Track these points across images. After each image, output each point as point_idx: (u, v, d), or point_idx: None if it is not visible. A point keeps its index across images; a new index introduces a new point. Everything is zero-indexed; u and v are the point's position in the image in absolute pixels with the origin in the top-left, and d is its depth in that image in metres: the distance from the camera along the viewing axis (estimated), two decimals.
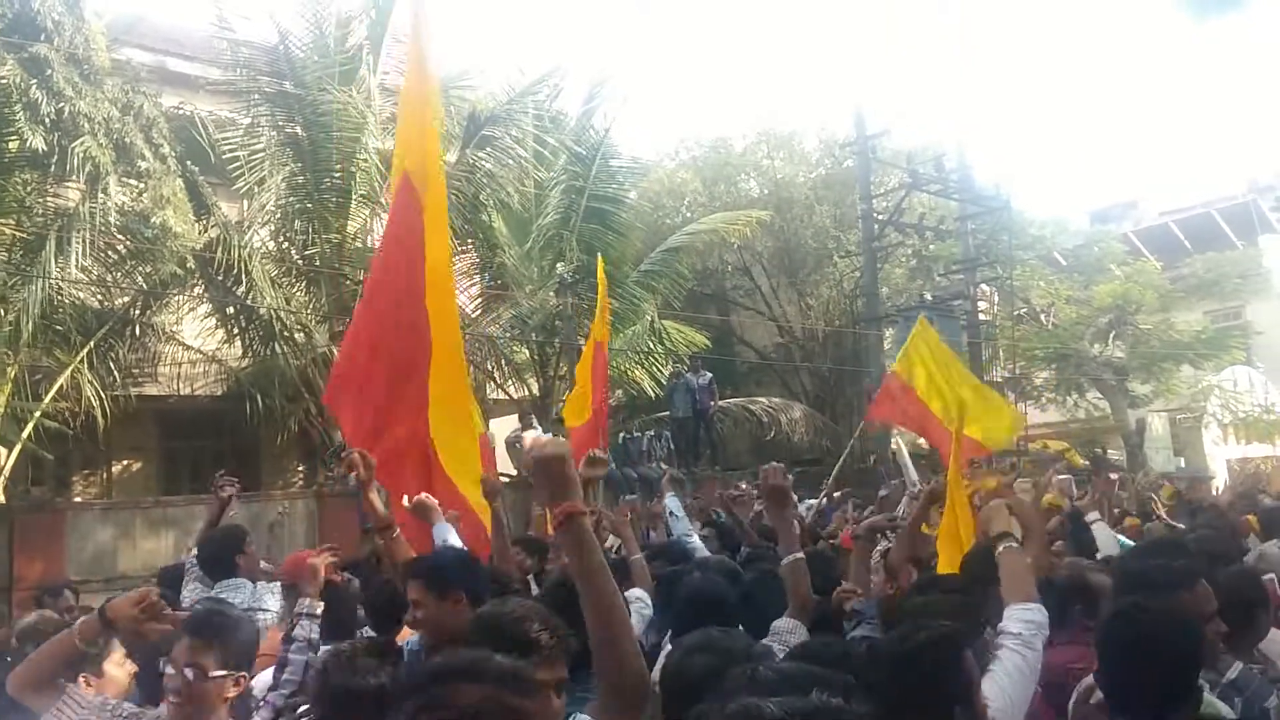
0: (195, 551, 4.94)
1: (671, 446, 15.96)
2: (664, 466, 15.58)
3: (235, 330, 14.30)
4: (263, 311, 13.62)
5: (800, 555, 3.88)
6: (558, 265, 15.89)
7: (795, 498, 12.44)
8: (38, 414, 11.70)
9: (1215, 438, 24.10)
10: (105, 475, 16.09)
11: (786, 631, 3.54)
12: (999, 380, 22.19)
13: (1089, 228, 28.38)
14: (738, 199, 21.21)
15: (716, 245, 19.36)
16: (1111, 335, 22.00)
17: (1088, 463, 21.41)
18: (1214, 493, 21.49)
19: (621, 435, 16.04)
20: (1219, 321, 25.10)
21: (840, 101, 38.66)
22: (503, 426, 16.78)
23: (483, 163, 14.93)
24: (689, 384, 16.13)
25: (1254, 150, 56.36)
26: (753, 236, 19.54)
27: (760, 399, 19.41)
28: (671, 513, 6.65)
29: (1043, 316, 22.59)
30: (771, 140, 22.34)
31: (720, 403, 17.59)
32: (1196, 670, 2.57)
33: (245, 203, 14.39)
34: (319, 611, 3.59)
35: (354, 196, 14.26)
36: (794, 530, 4.08)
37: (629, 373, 17.17)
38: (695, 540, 6.37)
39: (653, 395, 17.24)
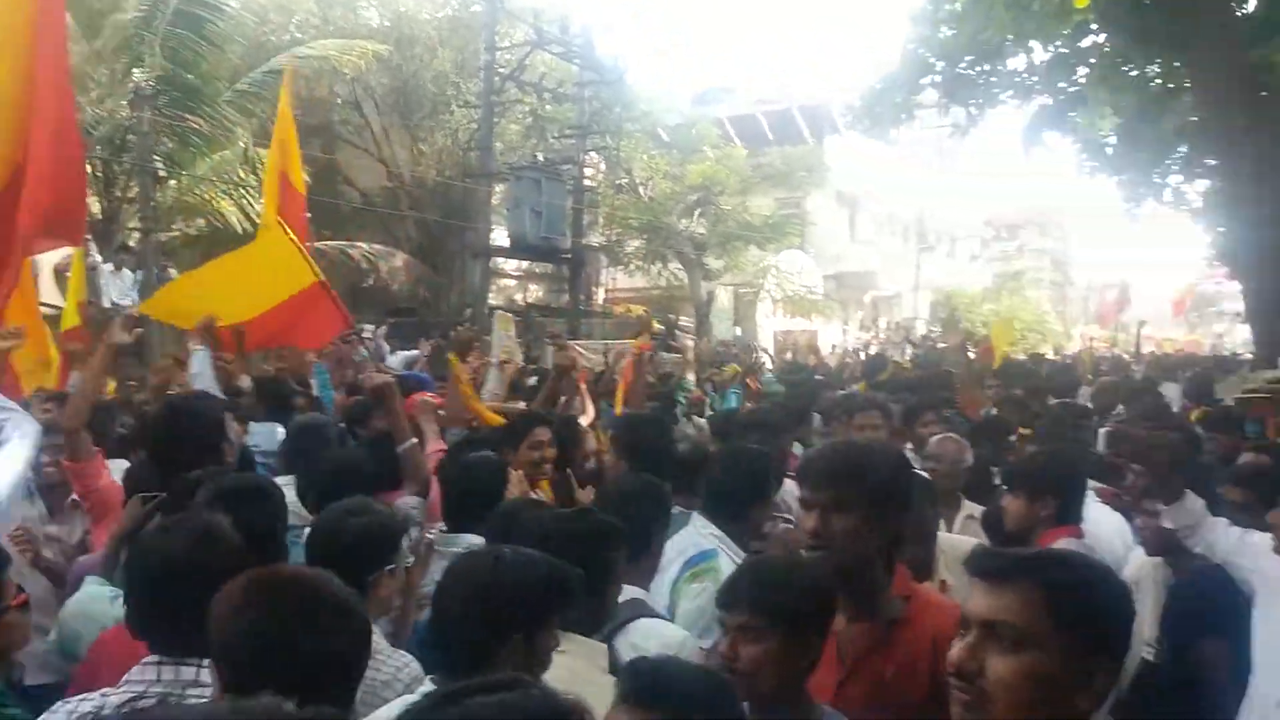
0: None
1: None
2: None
3: None
4: None
5: (414, 441, 4.09)
6: (134, 71, 13.79)
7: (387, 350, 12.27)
8: None
9: (767, 311, 27.43)
10: None
11: (413, 508, 3.76)
12: (594, 245, 23.35)
13: (691, 109, 30.22)
14: (355, 27, 19.65)
15: (327, 74, 17.89)
16: (697, 212, 23.94)
17: (662, 328, 23.42)
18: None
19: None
20: (784, 209, 28.17)
21: None
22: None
23: None
24: None
25: (835, 57, 62.84)
26: (368, 70, 18.31)
27: (361, 244, 18.65)
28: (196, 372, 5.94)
29: (641, 189, 23.88)
30: None
31: (318, 244, 16.63)
32: None
33: None
34: None
35: None
36: (403, 422, 4.13)
37: (214, 202, 15.59)
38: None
39: (240, 230, 15.85)
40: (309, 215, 15.26)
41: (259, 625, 1.67)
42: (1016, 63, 10.13)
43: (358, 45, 16.82)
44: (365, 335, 12.70)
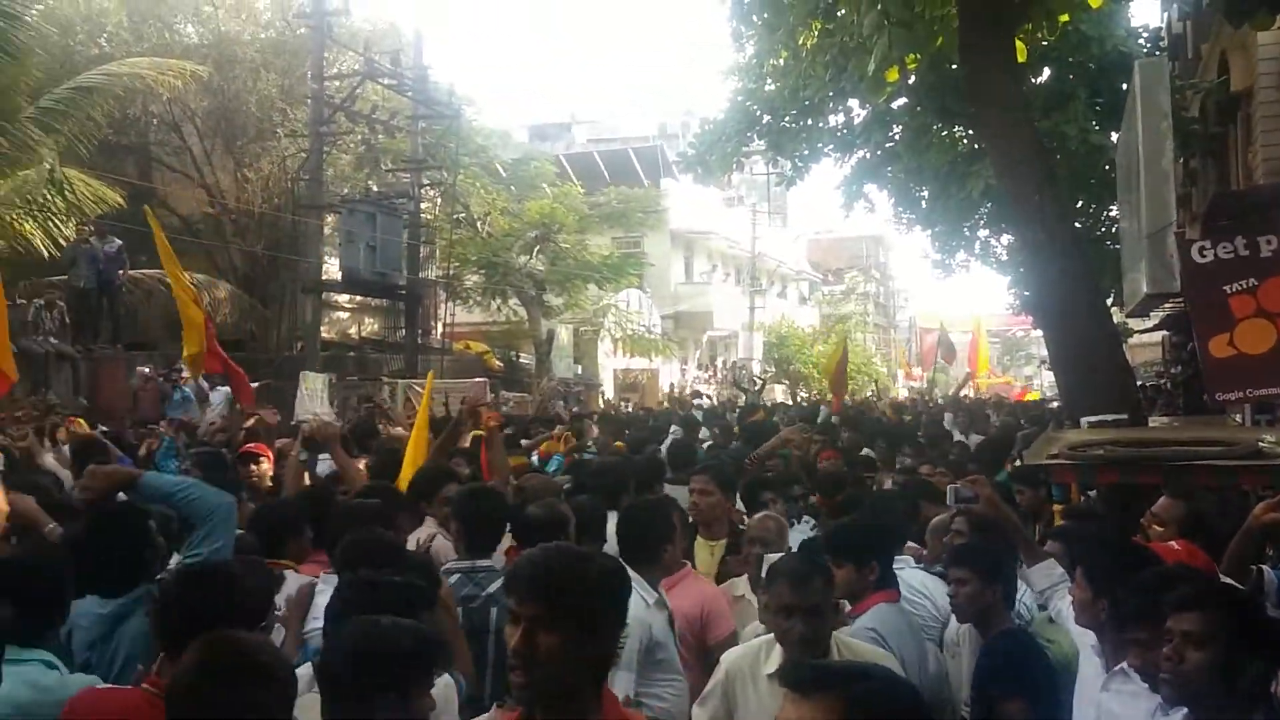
0: None
1: (66, 319, 13.90)
2: (54, 341, 13.57)
3: None
4: None
5: None
6: None
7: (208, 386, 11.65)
8: None
9: (607, 350, 27.65)
10: None
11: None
12: (431, 280, 22.96)
13: (528, 143, 30.27)
14: (171, 44, 18.74)
15: (141, 93, 16.95)
16: (536, 249, 23.96)
17: (502, 365, 23.25)
18: (602, 397, 24.76)
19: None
20: (622, 249, 28.61)
21: None
22: None
23: None
24: (94, 252, 14.10)
25: (666, 98, 64.47)
26: (186, 90, 17.47)
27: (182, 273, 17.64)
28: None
29: (479, 224, 23.69)
30: None
31: (132, 272, 15.69)
32: None
33: None
34: None
35: None
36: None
37: (16, 225, 14.44)
38: None
39: (46, 254, 14.75)
40: (121, 242, 14.57)
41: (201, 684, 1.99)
42: (837, 119, 10.68)
43: (175, 65, 16.03)
44: (184, 372, 12.02)
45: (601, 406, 21.72)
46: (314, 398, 8.05)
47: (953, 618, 3.68)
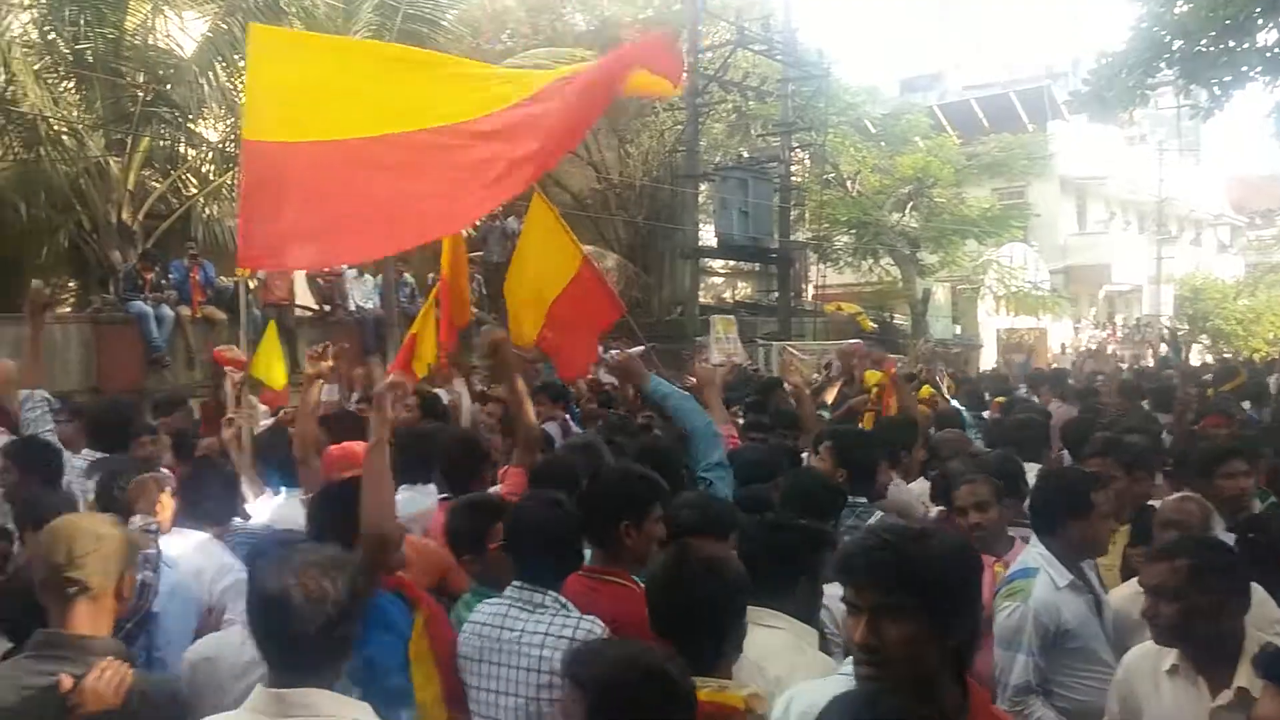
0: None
1: (484, 291, 15.69)
2: (475, 310, 15.36)
3: None
4: (25, 110, 12.15)
5: None
6: None
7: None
8: None
9: (989, 309, 26.13)
10: None
11: None
12: (803, 240, 23.03)
13: (898, 96, 29.15)
14: (563, 34, 20.32)
15: None
16: (909, 206, 23.10)
17: (875, 326, 22.81)
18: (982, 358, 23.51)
19: (431, 275, 15.60)
20: (1004, 200, 26.76)
21: None
22: None
23: None
24: (505, 229, 15.73)
25: (1054, 36, 59.25)
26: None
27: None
28: None
29: (849, 183, 23.34)
30: None
31: None
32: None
33: None
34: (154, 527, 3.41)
35: None
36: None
37: None
38: None
39: (464, 233, 16.71)
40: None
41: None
42: (1267, 37, 9.13)
43: (566, 53, 17.38)
44: None
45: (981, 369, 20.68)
46: (725, 341, 8.53)
47: None
